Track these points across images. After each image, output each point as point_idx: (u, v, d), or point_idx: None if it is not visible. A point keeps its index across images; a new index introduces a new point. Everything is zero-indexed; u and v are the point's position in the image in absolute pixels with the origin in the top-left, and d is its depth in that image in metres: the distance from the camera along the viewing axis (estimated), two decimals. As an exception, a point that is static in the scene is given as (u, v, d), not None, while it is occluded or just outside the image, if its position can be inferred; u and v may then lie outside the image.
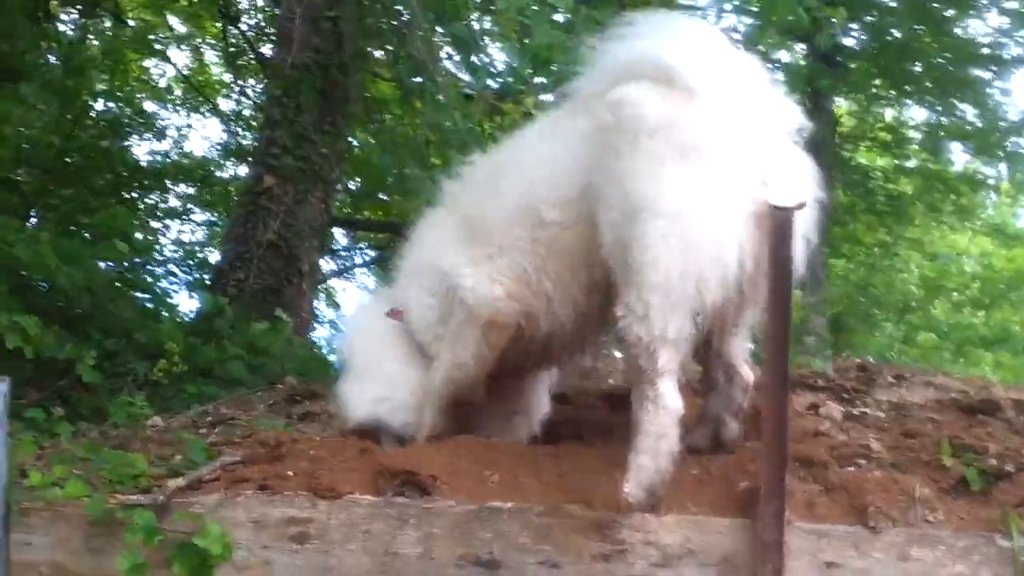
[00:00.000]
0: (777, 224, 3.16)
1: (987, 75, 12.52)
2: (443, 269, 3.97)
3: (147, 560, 3.40)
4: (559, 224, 3.71)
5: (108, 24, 12.81)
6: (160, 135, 13.56)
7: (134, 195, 11.76)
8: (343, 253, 17.78)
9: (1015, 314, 20.43)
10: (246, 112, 16.08)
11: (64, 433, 4.85)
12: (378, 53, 11.67)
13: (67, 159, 9.69)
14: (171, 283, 9.88)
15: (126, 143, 11.74)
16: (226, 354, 8.13)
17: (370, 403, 4.05)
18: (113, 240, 8.19)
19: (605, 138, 3.50)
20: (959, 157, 14.42)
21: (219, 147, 16.27)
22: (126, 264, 9.28)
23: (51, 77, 9.34)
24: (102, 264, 8.25)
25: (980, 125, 12.84)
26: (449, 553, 3.31)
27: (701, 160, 3.32)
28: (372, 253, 17.56)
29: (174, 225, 14.20)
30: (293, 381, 6.99)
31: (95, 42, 12.54)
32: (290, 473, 3.56)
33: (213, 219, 14.99)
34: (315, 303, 13.37)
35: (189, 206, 14.45)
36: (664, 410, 3.28)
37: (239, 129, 16.16)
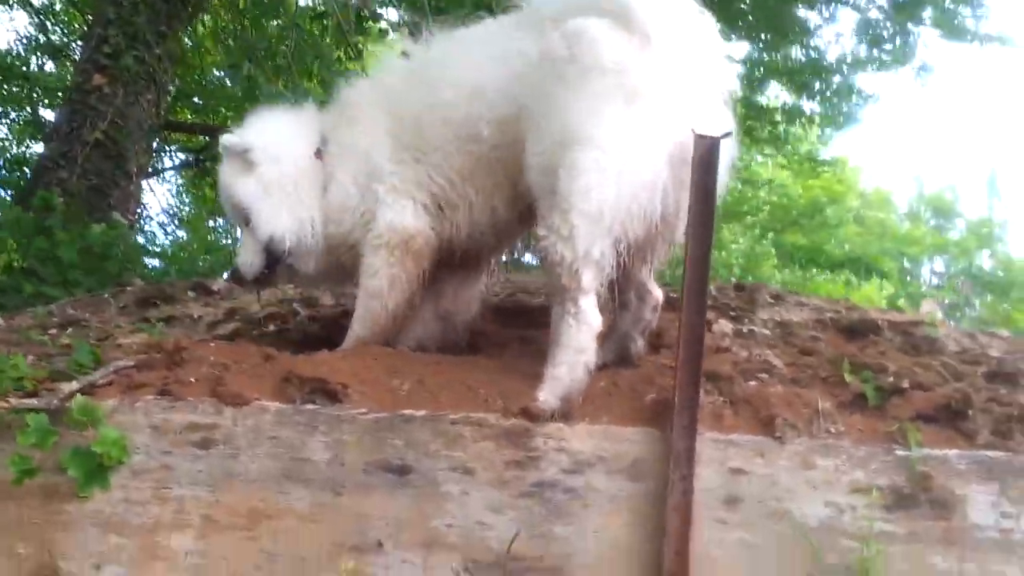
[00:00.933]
0: (701, 152, 3.25)
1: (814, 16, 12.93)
2: (376, 169, 4.01)
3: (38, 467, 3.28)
4: (491, 143, 3.77)
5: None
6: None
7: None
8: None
9: (803, 239, 21.99)
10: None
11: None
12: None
13: None
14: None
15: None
16: (62, 253, 7.86)
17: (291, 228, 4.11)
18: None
19: (552, 67, 3.52)
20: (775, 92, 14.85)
21: (24, 41, 15.54)
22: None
23: None
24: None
25: (801, 62, 13.26)
26: (359, 460, 3.28)
27: (643, 105, 3.40)
28: (182, 156, 17.14)
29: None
30: (140, 283, 6.79)
31: None
32: (192, 379, 3.46)
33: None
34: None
35: None
36: (586, 326, 3.39)
37: (49, 23, 15.46)
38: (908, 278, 24.49)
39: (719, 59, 3.68)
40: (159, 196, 17.97)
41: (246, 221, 4.14)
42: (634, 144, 3.37)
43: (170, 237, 17.82)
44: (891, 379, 3.48)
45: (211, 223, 19.01)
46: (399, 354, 3.81)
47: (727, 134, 3.38)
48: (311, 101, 4.61)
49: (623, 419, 3.30)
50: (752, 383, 3.53)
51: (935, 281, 24.91)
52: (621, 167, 3.35)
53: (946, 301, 19.66)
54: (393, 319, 4.01)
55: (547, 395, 3.29)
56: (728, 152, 3.48)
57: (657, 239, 3.61)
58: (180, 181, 19.71)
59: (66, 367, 3.68)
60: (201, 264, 12.22)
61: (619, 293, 3.70)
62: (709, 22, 3.65)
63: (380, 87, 4.23)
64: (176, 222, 19.82)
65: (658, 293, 3.87)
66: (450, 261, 4.09)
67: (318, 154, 4.17)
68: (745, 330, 4.24)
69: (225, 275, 5.00)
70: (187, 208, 20.00)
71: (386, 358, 3.70)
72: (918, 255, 24.99)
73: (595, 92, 3.41)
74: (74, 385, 3.42)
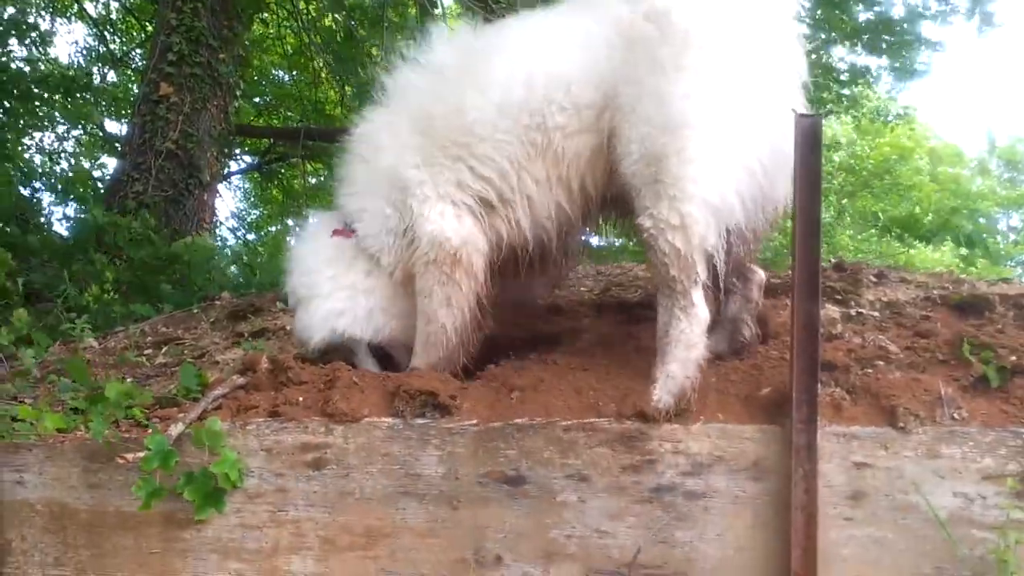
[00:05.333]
0: (804, 130, 3.12)
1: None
2: (405, 182, 3.80)
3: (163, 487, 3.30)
4: (563, 129, 3.59)
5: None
6: (45, 41, 12.78)
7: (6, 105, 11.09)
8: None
9: (875, 204, 21.53)
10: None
11: (29, 362, 4.65)
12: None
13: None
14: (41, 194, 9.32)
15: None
16: (150, 271, 7.95)
17: (325, 320, 3.91)
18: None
19: (643, 49, 3.39)
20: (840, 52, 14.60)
21: (84, 52, 15.70)
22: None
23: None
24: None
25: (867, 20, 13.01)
26: (473, 472, 3.25)
27: (742, 80, 3.30)
28: (249, 159, 17.25)
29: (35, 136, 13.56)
30: (229, 296, 6.84)
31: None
32: (300, 399, 3.44)
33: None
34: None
35: (55, 114, 13.69)
36: (696, 320, 3.31)
37: (107, 33, 15.62)
38: (984, 236, 23.97)
39: (795, 37, 3.54)
40: (226, 199, 18.13)
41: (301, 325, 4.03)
42: (740, 124, 3.27)
43: (239, 240, 17.99)
44: (1013, 358, 3.35)
45: (278, 226, 19.22)
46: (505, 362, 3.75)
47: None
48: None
49: (739, 416, 3.23)
50: (869, 371, 3.43)
51: (1012, 238, 24.36)
52: (731, 150, 3.25)
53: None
54: (458, 341, 3.79)
55: (661, 394, 3.22)
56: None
57: (759, 218, 3.48)
58: (247, 184, 19.97)
59: (176, 393, 3.70)
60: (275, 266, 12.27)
61: (723, 277, 3.54)
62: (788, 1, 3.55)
63: (403, 90, 3.99)
64: (246, 225, 20.07)
65: (761, 272, 3.78)
66: (515, 269, 3.90)
67: (336, 232, 4.03)
68: (853, 313, 4.13)
69: None
70: (256, 212, 20.24)
71: (492, 367, 3.67)
72: (989, 211, 24.45)
73: (693, 71, 3.28)
74: (194, 413, 3.42)
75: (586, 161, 3.59)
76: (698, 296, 3.32)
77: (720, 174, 3.25)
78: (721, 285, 3.50)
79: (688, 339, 3.30)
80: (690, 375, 3.26)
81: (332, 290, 3.95)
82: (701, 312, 3.33)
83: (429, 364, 3.80)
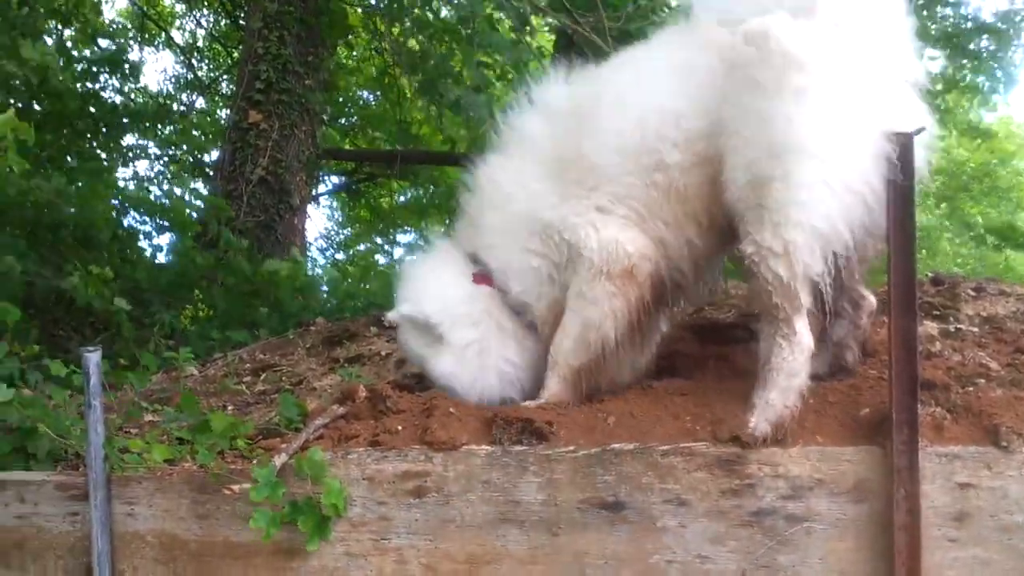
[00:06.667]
0: (898, 150, 3.10)
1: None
2: (547, 222, 3.75)
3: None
4: (680, 166, 3.55)
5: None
6: (136, 73, 13.07)
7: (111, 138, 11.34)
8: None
9: (974, 207, 21.05)
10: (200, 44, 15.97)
11: (139, 382, 4.81)
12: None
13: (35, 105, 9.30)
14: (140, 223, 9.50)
15: (97, 85, 11.33)
16: (246, 296, 8.12)
17: (473, 383, 3.85)
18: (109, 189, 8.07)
19: (744, 74, 3.31)
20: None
21: (173, 80, 16.07)
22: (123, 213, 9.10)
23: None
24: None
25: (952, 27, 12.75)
26: (572, 498, 3.26)
27: (846, 100, 3.21)
28: (336, 180, 17.47)
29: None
30: (323, 321, 6.95)
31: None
32: (399, 427, 3.50)
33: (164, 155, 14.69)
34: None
35: (146, 142, 13.94)
36: (799, 348, 3.27)
37: (194, 61, 15.99)
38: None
39: (908, 44, 3.45)
40: (315, 219, 18.40)
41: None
42: (846, 146, 3.18)
43: (328, 261, 18.23)
44: (1117, 373, 3.30)
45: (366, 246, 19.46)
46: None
47: (920, 129, 3.17)
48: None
49: (838, 438, 3.20)
50: (969, 389, 3.39)
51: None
52: (837, 174, 3.17)
53: None
54: (612, 354, 3.71)
55: (758, 421, 3.19)
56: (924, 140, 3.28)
57: (868, 241, 3.38)
58: (335, 204, 20.24)
59: (278, 423, 3.79)
60: (366, 287, 12.40)
61: (832, 301, 3.46)
62: (897, 4, 3.44)
63: (524, 135, 3.95)
64: (335, 245, 20.36)
65: (872, 298, 3.71)
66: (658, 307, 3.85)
67: (476, 278, 3.95)
68: (952, 329, 4.08)
69: None
70: (344, 232, 20.50)
71: (586, 390, 3.68)
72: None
73: (795, 93, 3.19)
74: (296, 443, 3.49)
75: (709, 194, 3.53)
76: (801, 324, 3.28)
77: (826, 199, 3.17)
78: (828, 308, 3.43)
79: (790, 368, 3.26)
80: (789, 404, 3.22)
81: (488, 348, 3.91)
82: (805, 340, 3.28)
83: (574, 368, 3.74)
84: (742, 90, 3.32)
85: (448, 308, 3.89)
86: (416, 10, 9.73)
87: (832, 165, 3.17)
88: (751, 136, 3.28)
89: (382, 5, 10.95)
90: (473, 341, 3.87)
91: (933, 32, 12.87)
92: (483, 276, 3.93)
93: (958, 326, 4.11)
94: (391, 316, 3.98)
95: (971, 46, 12.99)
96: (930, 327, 4.04)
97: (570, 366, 3.75)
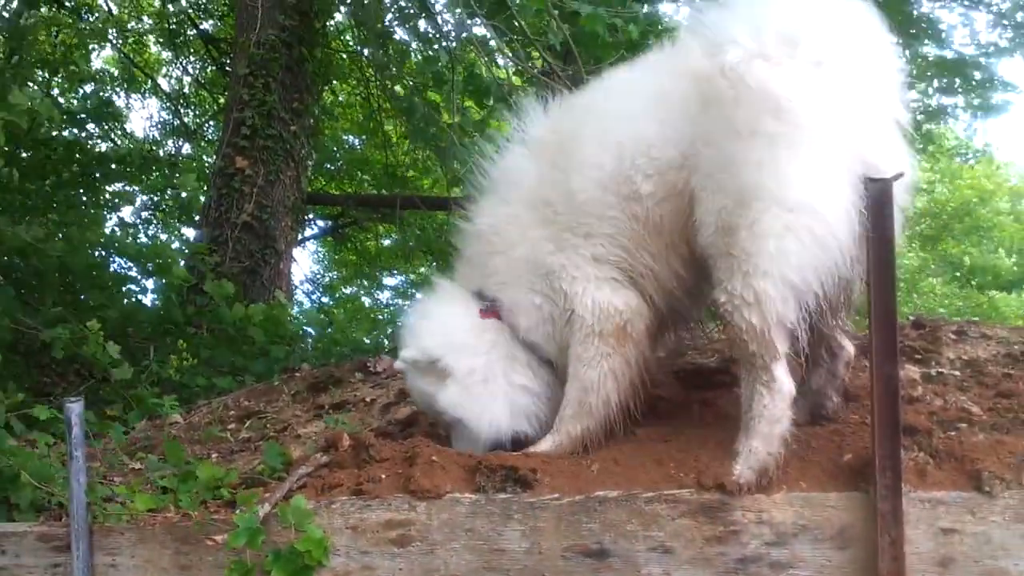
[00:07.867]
0: (875, 196, 3.11)
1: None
2: (549, 268, 3.73)
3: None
4: (653, 196, 3.51)
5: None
6: (118, 120, 13.06)
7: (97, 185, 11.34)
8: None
9: (956, 247, 21.21)
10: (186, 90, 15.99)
11: (117, 438, 4.78)
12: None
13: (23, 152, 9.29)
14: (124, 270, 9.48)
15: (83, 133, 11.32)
16: (229, 342, 8.11)
17: (511, 419, 3.84)
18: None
19: (719, 111, 3.25)
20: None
21: (158, 126, 16.10)
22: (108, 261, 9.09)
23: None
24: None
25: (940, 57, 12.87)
26: (557, 546, 3.26)
27: (823, 146, 3.15)
28: (321, 224, 17.45)
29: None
30: (308, 368, 6.95)
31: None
32: (383, 476, 3.48)
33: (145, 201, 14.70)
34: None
35: (133, 189, 13.93)
36: (779, 395, 3.25)
37: (180, 107, 16.02)
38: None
39: (894, 82, 3.38)
40: (301, 263, 18.36)
41: (463, 431, 3.86)
42: (818, 196, 3.13)
43: (314, 305, 18.17)
44: (1099, 417, 3.31)
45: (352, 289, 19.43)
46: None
47: (899, 175, 3.13)
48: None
49: (821, 483, 3.21)
50: (952, 433, 3.40)
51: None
52: (807, 224, 3.12)
53: None
54: (614, 413, 3.67)
55: (743, 468, 3.19)
56: (903, 184, 3.25)
57: (847, 289, 3.36)
58: (321, 248, 20.22)
59: (261, 472, 3.77)
60: (353, 332, 12.38)
61: (810, 349, 3.41)
62: (884, 42, 3.39)
63: (512, 176, 3.95)
64: (320, 289, 20.30)
65: (850, 348, 3.69)
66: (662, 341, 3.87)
67: (483, 313, 3.93)
68: (934, 373, 4.10)
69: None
70: (330, 275, 20.47)
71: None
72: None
73: (768, 138, 3.14)
74: (280, 492, 3.47)
75: (684, 226, 3.48)
76: (780, 370, 3.25)
77: (795, 250, 3.12)
78: (804, 355, 3.40)
79: (771, 414, 3.24)
80: (773, 451, 3.21)
81: (505, 383, 3.88)
82: (784, 386, 3.26)
83: (573, 436, 3.70)
84: (714, 129, 3.28)
85: (449, 340, 3.86)
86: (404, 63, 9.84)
87: (801, 215, 3.12)
88: (722, 180, 3.25)
89: (366, 52, 11.05)
90: (476, 368, 3.83)
91: (920, 63, 12.99)
92: (491, 311, 3.91)
93: (940, 370, 4.13)
94: (396, 365, 3.98)
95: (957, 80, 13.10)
96: (912, 371, 4.05)
97: (569, 434, 3.72)
